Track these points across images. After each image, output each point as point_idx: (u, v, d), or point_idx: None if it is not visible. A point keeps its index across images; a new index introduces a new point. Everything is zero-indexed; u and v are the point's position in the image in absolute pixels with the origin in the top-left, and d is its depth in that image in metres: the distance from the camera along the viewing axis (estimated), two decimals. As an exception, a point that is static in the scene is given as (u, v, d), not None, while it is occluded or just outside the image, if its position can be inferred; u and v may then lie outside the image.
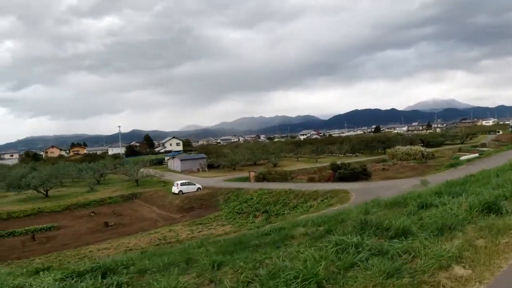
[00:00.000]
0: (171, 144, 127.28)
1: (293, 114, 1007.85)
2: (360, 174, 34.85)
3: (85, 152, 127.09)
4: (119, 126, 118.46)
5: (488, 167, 18.66)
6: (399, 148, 58.44)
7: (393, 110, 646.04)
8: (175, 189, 40.68)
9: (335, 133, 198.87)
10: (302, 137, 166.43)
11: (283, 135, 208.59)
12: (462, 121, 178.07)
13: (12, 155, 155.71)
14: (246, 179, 46.79)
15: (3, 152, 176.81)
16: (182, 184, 41.16)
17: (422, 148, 57.50)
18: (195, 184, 42.15)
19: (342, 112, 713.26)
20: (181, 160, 65.19)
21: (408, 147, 58.26)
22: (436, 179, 21.85)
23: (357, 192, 25.44)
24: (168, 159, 74.74)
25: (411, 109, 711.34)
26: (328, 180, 35.57)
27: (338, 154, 65.32)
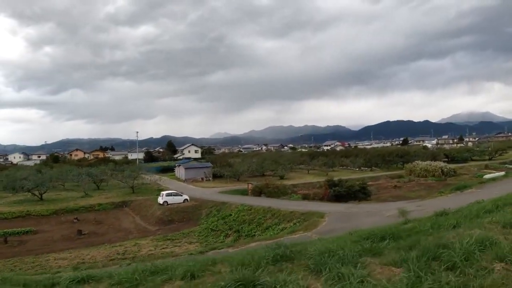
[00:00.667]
0: (189, 151, 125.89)
1: (323, 124, 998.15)
2: (358, 193, 30.86)
3: (104, 155, 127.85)
4: (137, 132, 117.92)
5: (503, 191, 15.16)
6: (418, 164, 53.55)
7: (426, 122, 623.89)
8: (160, 200, 38.24)
9: (364, 144, 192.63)
10: (326, 148, 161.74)
11: (310, 145, 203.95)
12: (496, 135, 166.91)
13: (39, 156, 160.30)
14: (245, 192, 43.75)
15: (32, 153, 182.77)
16: (167, 195, 38.64)
17: (443, 164, 52.38)
18: (182, 195, 39.60)
19: (373, 123, 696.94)
20: (185, 168, 62.87)
21: (427, 162, 53.22)
22: (430, 206, 18.13)
23: (334, 217, 21.83)
24: (176, 167, 72.73)
25: (445, 121, 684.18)
26: (322, 198, 31.84)
27: (353, 168, 60.98)
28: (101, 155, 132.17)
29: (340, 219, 20.57)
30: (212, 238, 27.27)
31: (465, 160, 66.30)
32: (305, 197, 33.69)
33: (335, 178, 35.54)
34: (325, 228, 18.63)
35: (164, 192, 39.58)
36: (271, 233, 22.52)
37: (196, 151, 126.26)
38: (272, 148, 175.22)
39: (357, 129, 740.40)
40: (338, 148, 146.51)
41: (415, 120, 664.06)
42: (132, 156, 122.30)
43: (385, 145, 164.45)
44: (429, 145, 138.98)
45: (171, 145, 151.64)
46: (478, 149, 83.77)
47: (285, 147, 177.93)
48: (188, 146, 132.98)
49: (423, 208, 18.24)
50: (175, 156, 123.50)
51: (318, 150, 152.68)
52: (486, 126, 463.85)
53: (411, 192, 38.83)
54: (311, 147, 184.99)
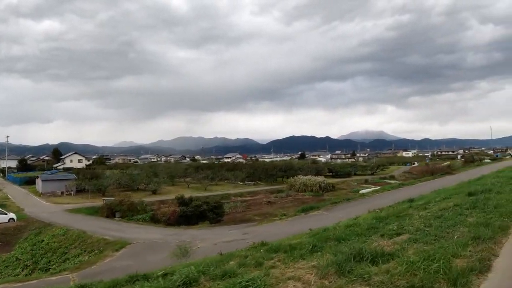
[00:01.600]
0: (71, 161, 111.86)
1: (232, 136, 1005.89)
2: (208, 213, 26.27)
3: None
4: (7, 136, 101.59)
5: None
6: (298, 178, 51.62)
7: (327, 138, 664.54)
8: (-22, 219, 29.69)
9: (269, 157, 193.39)
10: (227, 160, 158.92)
11: (218, 156, 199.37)
12: (385, 151, 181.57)
13: None
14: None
15: None
16: (-13, 213, 30.24)
17: (321, 179, 51.17)
18: (6, 214, 31.82)
19: (280, 138, 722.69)
20: (42, 180, 53.03)
21: (308, 177, 51.63)
22: (258, 234, 14.27)
23: (131, 250, 17.50)
24: (36, 179, 61.66)
25: (345, 137, 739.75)
26: (169, 218, 26.66)
27: (236, 182, 57.21)
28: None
29: (135, 254, 15.77)
30: (11, 270, 20.99)
31: (348, 175, 67.26)
32: (152, 218, 28.17)
33: (189, 195, 30.57)
34: (103, 268, 14.04)
35: (-18, 210, 31.07)
36: (67, 266, 16.79)
37: (80, 161, 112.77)
38: (172, 159, 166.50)
39: (265, 142, 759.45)
40: (237, 161, 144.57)
41: (318, 136, 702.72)
42: (3, 164, 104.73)
43: (284, 158, 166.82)
44: (323, 160, 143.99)
45: (57, 153, 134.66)
46: (365, 163, 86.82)
47: (186, 158, 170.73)
48: (71, 155, 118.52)
49: (245, 237, 14.29)
50: (55, 165, 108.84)
51: (219, 162, 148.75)
52: (379, 143, 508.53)
53: (282, 208, 35.68)
54: (216, 158, 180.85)
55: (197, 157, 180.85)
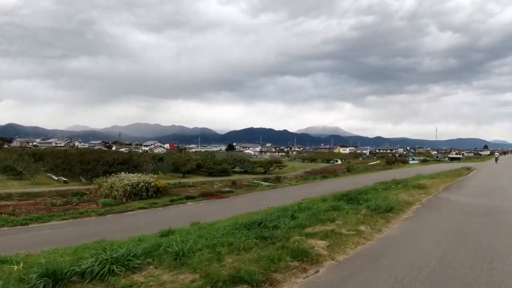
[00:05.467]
0: None
1: (191, 125, 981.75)
2: None
3: None
4: None
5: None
6: (112, 177, 34.21)
7: (285, 131, 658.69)
8: None
9: (195, 148, 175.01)
10: (145, 148, 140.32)
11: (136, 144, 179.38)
12: (318, 147, 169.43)
13: None
14: None
15: None
16: None
17: (152, 179, 34.08)
18: None
19: (239, 129, 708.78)
20: None
21: (131, 175, 34.27)
22: None
23: None
24: None
25: (302, 132, 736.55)
26: None
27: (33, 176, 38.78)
28: None
29: None
30: None
31: (227, 173, 50.73)
32: None
33: None
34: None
35: None
36: None
37: None
38: (79, 145, 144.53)
39: (223, 133, 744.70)
40: (156, 150, 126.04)
41: (276, 129, 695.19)
42: None
43: (212, 150, 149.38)
44: (251, 153, 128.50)
45: None
46: (257, 160, 68.44)
47: (96, 146, 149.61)
48: None
49: None
50: None
51: (137, 150, 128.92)
52: (335, 139, 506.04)
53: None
54: (136, 145, 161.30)
55: (106, 142, 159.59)
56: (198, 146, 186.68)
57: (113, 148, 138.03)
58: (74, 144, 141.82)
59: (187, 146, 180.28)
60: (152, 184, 33.57)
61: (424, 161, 75.31)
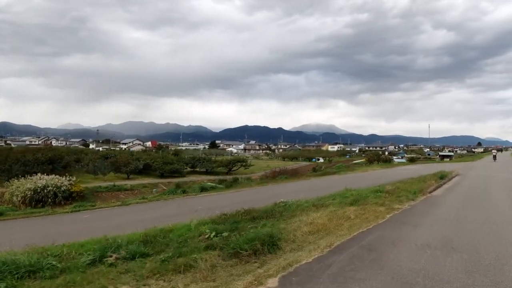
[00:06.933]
0: None
1: (185, 123, 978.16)
2: None
3: None
4: None
5: None
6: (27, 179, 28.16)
7: (280, 129, 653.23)
8: None
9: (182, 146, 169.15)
10: (123, 147, 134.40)
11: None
12: (306, 145, 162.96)
13: None
14: None
15: None
16: None
17: (67, 182, 27.95)
18: None
19: (233, 126, 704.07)
20: None
21: (37, 178, 28.20)
22: None
23: None
24: None
25: (297, 130, 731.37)
26: None
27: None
28: None
29: None
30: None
31: (180, 174, 44.44)
32: None
33: None
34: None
35: None
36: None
37: None
38: (51, 142, 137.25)
39: (218, 130, 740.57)
40: (134, 148, 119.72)
41: (271, 126, 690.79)
42: None
43: (198, 148, 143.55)
44: (234, 150, 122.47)
45: None
46: (217, 158, 57.78)
47: (76, 143, 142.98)
48: None
49: None
50: None
51: (114, 149, 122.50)
52: (329, 137, 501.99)
53: None
54: (114, 143, 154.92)
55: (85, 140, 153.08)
56: (183, 144, 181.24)
57: (91, 146, 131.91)
58: (51, 142, 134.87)
59: (172, 144, 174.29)
60: (63, 188, 27.73)
61: (411, 160, 69.30)
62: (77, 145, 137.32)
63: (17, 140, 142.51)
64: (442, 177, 20.69)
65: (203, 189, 26.88)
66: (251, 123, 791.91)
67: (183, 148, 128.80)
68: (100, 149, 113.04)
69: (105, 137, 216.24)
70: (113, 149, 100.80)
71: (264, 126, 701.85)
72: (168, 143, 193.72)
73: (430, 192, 15.04)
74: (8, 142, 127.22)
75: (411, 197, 12.80)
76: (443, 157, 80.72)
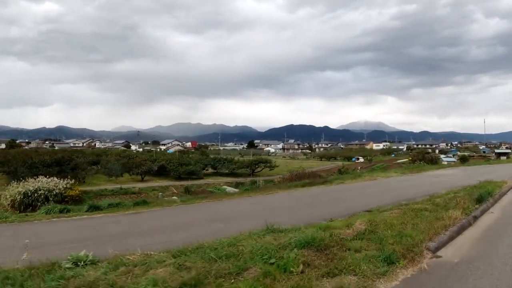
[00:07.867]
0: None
1: (231, 123, 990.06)
2: None
3: None
4: None
5: None
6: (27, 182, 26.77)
7: (326, 127, 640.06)
8: None
9: (224, 146, 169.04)
10: (162, 147, 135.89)
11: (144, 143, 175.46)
12: (350, 143, 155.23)
13: None
14: None
15: None
16: None
17: (61, 185, 26.12)
18: None
19: (279, 126, 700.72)
20: None
21: (32, 182, 26.61)
22: None
23: None
24: None
25: (344, 128, 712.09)
26: None
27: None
28: None
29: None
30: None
31: (198, 176, 41.47)
32: None
33: None
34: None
35: None
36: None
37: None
38: (95, 144, 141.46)
39: (263, 130, 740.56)
40: (173, 149, 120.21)
41: (316, 125, 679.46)
42: None
43: (235, 148, 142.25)
44: (272, 150, 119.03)
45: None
46: (241, 159, 51.83)
47: (119, 145, 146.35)
48: None
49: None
50: None
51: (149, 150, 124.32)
52: (378, 134, 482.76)
53: None
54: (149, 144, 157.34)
55: (128, 142, 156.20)
56: (227, 145, 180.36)
57: (132, 148, 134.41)
58: (95, 144, 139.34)
59: (216, 144, 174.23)
60: (55, 192, 26.09)
61: (462, 160, 61.51)
62: (118, 146, 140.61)
63: (62, 142, 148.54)
64: (481, 198, 10.67)
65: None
66: (296, 122, 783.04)
67: (222, 148, 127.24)
68: (141, 149, 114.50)
69: (156, 139, 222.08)
70: (152, 150, 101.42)
71: (310, 125, 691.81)
72: (213, 143, 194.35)
73: (437, 249, 6.20)
74: (54, 144, 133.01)
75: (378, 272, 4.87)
76: (499, 154, 72.08)
